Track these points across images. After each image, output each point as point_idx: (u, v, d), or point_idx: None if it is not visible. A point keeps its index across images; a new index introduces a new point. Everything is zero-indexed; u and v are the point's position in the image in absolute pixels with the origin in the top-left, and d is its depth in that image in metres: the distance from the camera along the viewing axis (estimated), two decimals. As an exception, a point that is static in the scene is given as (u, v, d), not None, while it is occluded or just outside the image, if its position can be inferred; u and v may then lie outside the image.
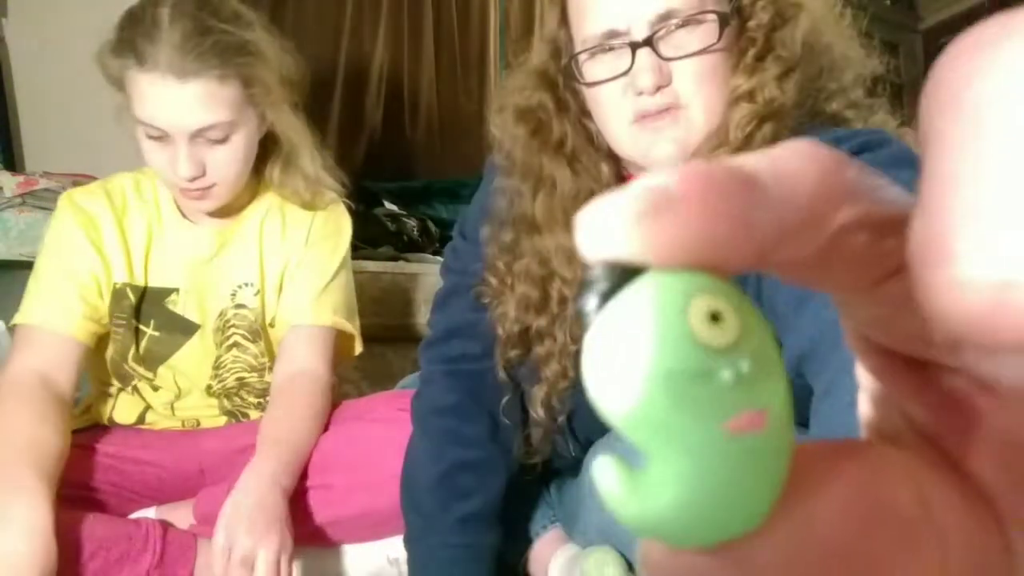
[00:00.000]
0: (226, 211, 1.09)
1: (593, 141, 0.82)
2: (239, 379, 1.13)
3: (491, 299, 0.88)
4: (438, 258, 2.20)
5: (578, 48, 0.75)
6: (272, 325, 1.13)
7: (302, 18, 2.63)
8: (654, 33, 0.70)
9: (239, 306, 1.10)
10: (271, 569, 0.81)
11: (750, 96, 0.70)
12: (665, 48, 0.71)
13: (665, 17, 0.70)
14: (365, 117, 2.74)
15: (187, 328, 1.09)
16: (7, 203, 1.70)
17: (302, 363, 1.07)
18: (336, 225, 1.16)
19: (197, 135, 0.95)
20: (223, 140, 0.98)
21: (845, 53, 0.77)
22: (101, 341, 1.08)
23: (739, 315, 0.12)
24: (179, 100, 0.93)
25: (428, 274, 2.02)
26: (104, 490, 0.99)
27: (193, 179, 0.97)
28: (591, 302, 0.12)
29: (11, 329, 1.63)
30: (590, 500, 0.89)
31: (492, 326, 0.88)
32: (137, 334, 1.08)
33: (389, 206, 2.46)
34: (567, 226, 0.80)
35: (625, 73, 0.72)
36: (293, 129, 1.08)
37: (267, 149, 1.08)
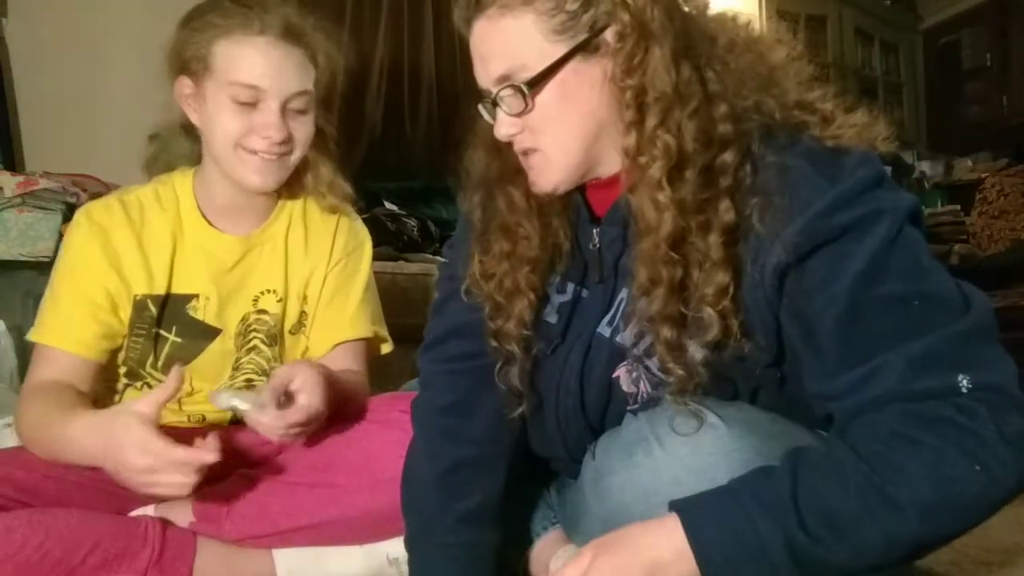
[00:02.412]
0: (252, 216, 1.13)
1: None
2: (247, 380, 1.14)
3: (474, 248, 0.89)
4: (438, 258, 2.21)
5: None
6: (292, 332, 1.16)
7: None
8: (497, 93, 0.78)
9: (261, 311, 1.14)
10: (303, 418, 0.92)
11: (641, 152, 0.73)
12: (504, 105, 0.78)
13: (501, 80, 0.78)
14: (365, 117, 2.74)
15: (208, 333, 1.11)
16: (7, 203, 1.70)
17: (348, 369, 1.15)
18: (357, 239, 1.22)
19: (288, 101, 1.03)
20: (304, 112, 1.05)
21: (764, 56, 0.79)
22: (116, 350, 1.10)
23: None
24: (285, 63, 1.02)
25: (428, 274, 2.03)
26: (104, 488, 0.99)
27: (280, 142, 1.03)
28: None
29: (11, 330, 1.64)
30: (591, 503, 0.89)
31: (478, 292, 0.89)
32: (157, 341, 1.10)
33: (389, 206, 2.47)
34: (516, 181, 0.86)
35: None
36: (318, 137, 1.13)
37: None
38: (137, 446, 0.85)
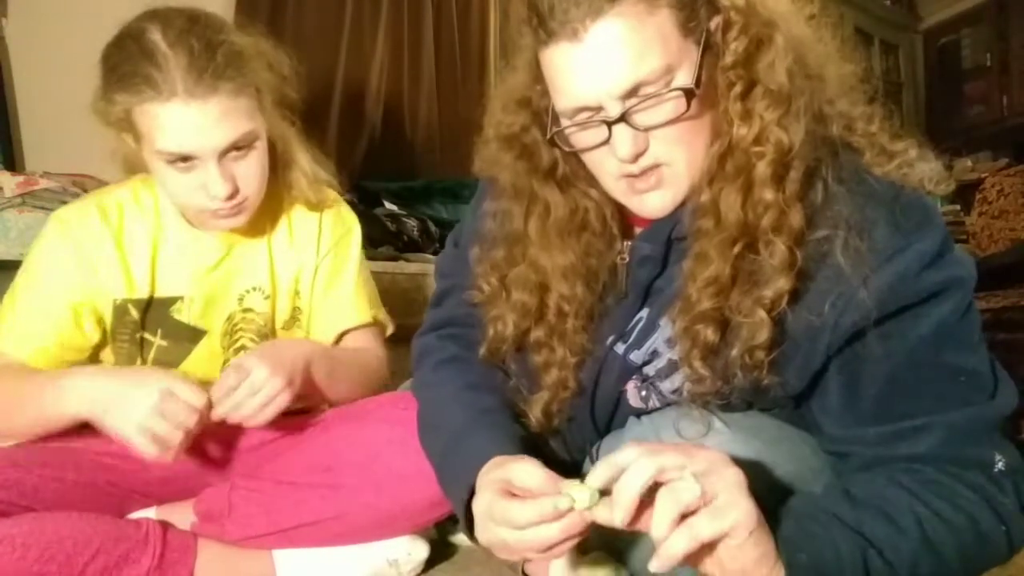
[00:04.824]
0: None
1: (585, 166, 0.81)
2: None
3: (485, 305, 0.88)
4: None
5: (556, 112, 0.76)
6: (286, 328, 1.15)
7: (302, 19, 2.62)
8: (627, 109, 0.69)
9: (247, 310, 1.12)
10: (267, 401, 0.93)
11: (757, 143, 0.69)
12: (640, 119, 0.70)
13: (633, 92, 0.69)
14: (365, 117, 2.74)
15: (194, 336, 1.09)
16: (7, 203, 1.70)
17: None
18: (345, 225, 1.20)
19: (225, 152, 0.95)
20: (247, 152, 0.98)
21: (826, 66, 0.76)
22: (97, 350, 1.08)
23: None
24: (204, 121, 0.91)
25: (428, 274, 2.02)
26: (104, 490, 0.99)
27: (229, 197, 0.96)
28: None
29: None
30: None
31: (484, 325, 0.88)
32: (143, 345, 1.08)
33: (389, 206, 2.46)
34: (563, 247, 0.81)
35: (605, 142, 0.72)
36: (284, 129, 1.08)
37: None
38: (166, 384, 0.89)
